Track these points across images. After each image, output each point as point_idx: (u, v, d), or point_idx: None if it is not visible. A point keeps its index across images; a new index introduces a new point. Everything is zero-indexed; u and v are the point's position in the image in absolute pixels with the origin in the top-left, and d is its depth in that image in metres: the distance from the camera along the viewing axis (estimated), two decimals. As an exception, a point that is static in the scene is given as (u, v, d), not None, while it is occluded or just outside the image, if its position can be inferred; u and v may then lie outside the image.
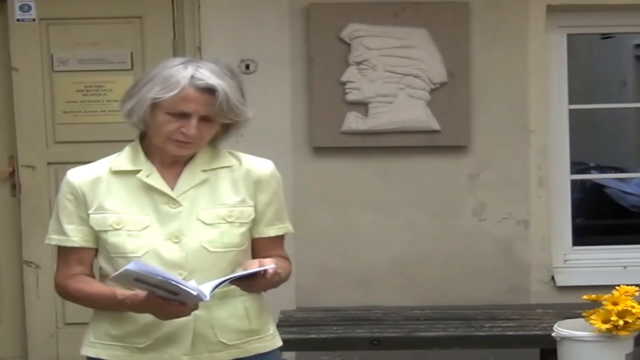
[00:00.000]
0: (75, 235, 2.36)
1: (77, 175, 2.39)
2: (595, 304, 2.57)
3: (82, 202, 2.35)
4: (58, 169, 4.98)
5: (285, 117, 4.89)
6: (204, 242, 2.32)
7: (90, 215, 2.34)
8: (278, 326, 2.64)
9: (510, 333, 4.00)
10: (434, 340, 3.97)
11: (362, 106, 4.89)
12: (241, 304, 2.38)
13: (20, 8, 4.92)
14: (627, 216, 8.32)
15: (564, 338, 2.57)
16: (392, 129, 4.90)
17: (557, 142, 5.07)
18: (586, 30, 5.34)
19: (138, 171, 2.36)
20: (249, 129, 2.44)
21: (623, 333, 2.49)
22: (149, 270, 2.14)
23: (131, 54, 4.98)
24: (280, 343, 2.51)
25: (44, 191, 5.00)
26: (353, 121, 4.89)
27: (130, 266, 2.11)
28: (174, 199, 2.34)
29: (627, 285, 2.59)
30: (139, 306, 2.24)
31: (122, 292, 2.26)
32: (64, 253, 2.39)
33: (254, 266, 2.26)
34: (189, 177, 2.36)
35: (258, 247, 2.43)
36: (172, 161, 2.37)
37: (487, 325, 4.11)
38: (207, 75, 2.27)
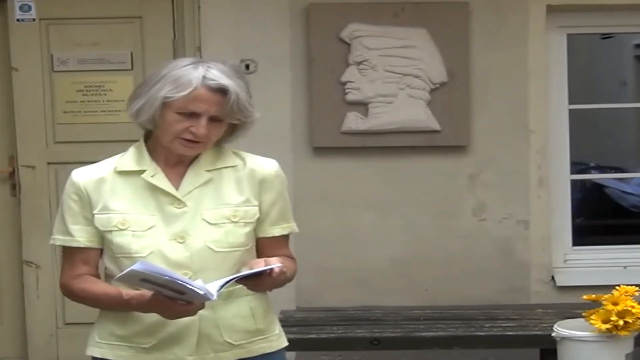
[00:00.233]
0: (80, 236, 2.36)
1: (81, 176, 2.39)
2: (595, 304, 2.57)
3: (86, 202, 2.35)
4: (58, 169, 4.99)
5: (285, 117, 4.89)
6: (208, 242, 2.32)
7: (95, 216, 2.34)
8: (278, 326, 2.64)
9: (510, 333, 4.00)
10: (434, 340, 3.97)
11: (362, 106, 4.89)
12: (247, 303, 2.39)
13: (20, 8, 4.92)
14: (627, 216, 8.32)
15: (564, 338, 2.57)
16: (392, 129, 4.90)
17: (557, 142, 5.07)
18: (586, 30, 5.34)
19: (143, 171, 2.36)
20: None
21: (623, 333, 2.49)
22: (155, 271, 2.14)
23: (131, 54, 4.98)
24: (285, 343, 2.51)
25: (44, 191, 5.00)
26: (353, 121, 4.89)
27: (136, 267, 2.11)
28: (178, 199, 2.34)
29: (627, 285, 2.59)
30: (145, 306, 2.25)
31: (127, 292, 2.26)
32: (69, 253, 2.39)
33: (259, 265, 2.26)
34: (193, 177, 2.36)
35: (263, 246, 2.43)
36: (176, 161, 2.37)
37: (487, 325, 4.11)
38: (219, 75, 2.28)
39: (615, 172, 9.51)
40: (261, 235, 2.42)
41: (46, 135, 4.99)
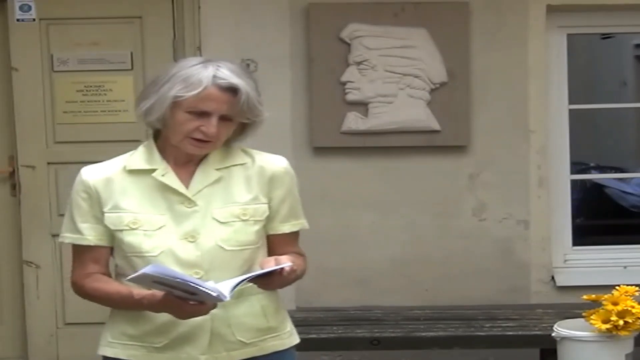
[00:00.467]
0: (89, 234, 2.35)
1: (91, 174, 2.38)
2: (595, 304, 2.57)
3: (96, 200, 2.34)
4: (58, 169, 4.99)
5: (285, 117, 4.89)
6: (219, 241, 2.32)
7: (105, 214, 2.33)
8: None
9: (510, 333, 4.00)
10: (434, 340, 3.97)
11: (362, 106, 4.89)
12: (258, 302, 2.39)
13: (20, 8, 4.92)
14: (627, 216, 8.32)
15: (564, 338, 2.57)
16: (392, 129, 4.90)
17: (557, 142, 5.07)
18: (586, 30, 5.34)
19: (153, 170, 2.35)
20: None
21: (623, 333, 2.49)
22: (167, 273, 2.14)
23: (131, 54, 4.98)
24: (297, 340, 2.52)
25: (44, 191, 5.00)
26: (353, 121, 4.89)
27: (148, 269, 2.11)
28: (189, 199, 2.33)
29: (627, 285, 2.59)
30: (157, 306, 2.24)
31: (138, 291, 2.26)
32: (79, 252, 2.38)
33: (270, 264, 2.26)
34: (202, 176, 2.36)
35: (273, 243, 2.43)
36: (185, 160, 2.36)
37: (487, 325, 4.11)
38: (228, 74, 2.27)
39: (615, 172, 9.51)
40: (271, 232, 2.42)
41: (46, 135, 4.99)
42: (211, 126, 2.28)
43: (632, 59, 11.84)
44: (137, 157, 2.38)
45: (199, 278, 2.24)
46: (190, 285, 2.13)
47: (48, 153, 5.00)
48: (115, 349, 2.39)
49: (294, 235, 2.47)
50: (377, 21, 4.86)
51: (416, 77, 4.88)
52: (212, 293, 2.14)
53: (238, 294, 2.27)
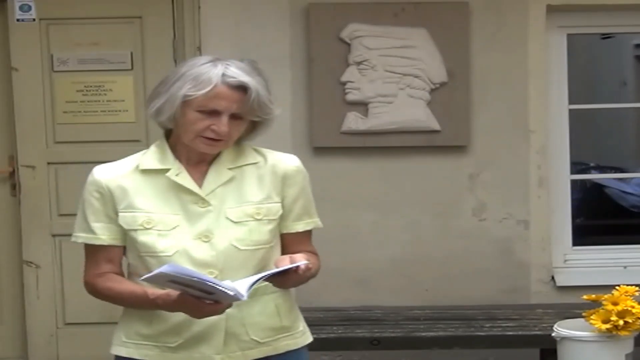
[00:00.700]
0: (103, 234, 2.35)
1: (103, 173, 2.37)
2: (595, 304, 2.57)
3: (109, 200, 2.34)
4: (58, 169, 4.99)
5: (285, 117, 4.89)
6: (233, 241, 2.32)
7: (120, 214, 2.33)
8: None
9: (510, 333, 4.00)
10: (434, 340, 3.97)
11: (362, 106, 4.89)
12: (272, 301, 2.39)
13: (20, 8, 4.92)
14: (627, 216, 8.31)
15: (564, 338, 2.57)
16: (392, 129, 4.90)
17: (557, 142, 5.07)
18: (586, 30, 5.34)
19: (166, 170, 2.35)
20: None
21: (623, 333, 2.49)
22: (184, 273, 2.13)
23: (131, 54, 4.98)
24: (310, 339, 2.52)
25: (44, 191, 5.00)
26: (353, 121, 4.89)
27: (164, 269, 2.10)
28: (202, 198, 2.33)
29: (627, 285, 2.59)
30: (172, 305, 2.24)
31: (153, 291, 2.26)
32: (92, 251, 2.38)
33: (285, 263, 2.26)
34: (215, 175, 2.35)
35: (287, 242, 2.43)
36: (198, 160, 2.36)
37: (487, 325, 4.11)
38: (238, 72, 2.27)
39: (615, 172, 9.51)
40: (285, 231, 2.42)
41: (46, 135, 4.99)
42: (222, 125, 2.27)
43: (632, 59, 11.83)
44: (150, 157, 2.37)
45: (213, 277, 2.23)
46: (207, 284, 2.12)
47: (48, 153, 5.00)
48: (129, 349, 2.39)
49: (308, 233, 2.47)
50: (377, 21, 4.86)
51: (416, 77, 4.88)
52: (230, 292, 2.14)
53: (252, 293, 2.26)
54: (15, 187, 5.03)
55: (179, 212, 2.32)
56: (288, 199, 2.40)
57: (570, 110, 5.12)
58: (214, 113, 2.27)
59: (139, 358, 2.37)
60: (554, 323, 2.65)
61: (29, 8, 4.93)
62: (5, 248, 5.09)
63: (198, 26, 4.92)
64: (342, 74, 4.87)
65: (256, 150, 2.43)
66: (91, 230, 2.36)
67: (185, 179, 2.34)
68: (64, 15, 4.96)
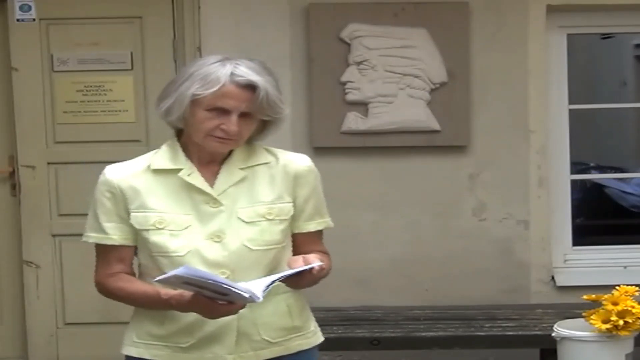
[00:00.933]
0: (114, 234, 2.34)
1: (115, 173, 2.36)
2: (595, 304, 2.57)
3: (120, 200, 2.33)
4: (58, 169, 4.99)
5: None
6: (245, 241, 2.32)
7: (131, 214, 2.32)
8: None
9: (510, 333, 4.00)
10: (434, 340, 3.97)
11: (362, 106, 4.89)
12: (284, 301, 2.39)
13: (20, 8, 4.92)
14: (627, 216, 8.31)
15: (564, 338, 2.57)
16: (392, 129, 4.90)
17: (557, 142, 5.07)
18: (586, 30, 5.34)
19: (178, 170, 2.34)
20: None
21: (623, 333, 2.48)
22: (199, 275, 2.12)
23: (131, 54, 4.98)
24: (321, 339, 2.53)
25: (44, 191, 5.00)
26: (353, 121, 4.89)
27: (179, 271, 2.09)
28: (214, 198, 2.32)
29: (627, 285, 2.59)
30: (185, 306, 2.23)
31: (166, 292, 2.25)
32: (103, 251, 2.38)
33: (298, 263, 2.26)
34: (227, 175, 2.35)
35: (298, 242, 2.43)
36: (209, 159, 2.36)
37: (487, 325, 4.11)
38: (247, 71, 2.27)
39: (615, 172, 9.50)
40: (296, 231, 2.42)
41: (46, 135, 4.99)
42: (231, 124, 2.27)
43: (632, 59, 11.82)
44: (162, 157, 2.37)
45: (225, 278, 2.23)
46: (222, 286, 2.12)
47: (48, 153, 5.00)
48: (140, 349, 2.38)
49: (319, 233, 2.47)
50: (377, 21, 4.86)
51: (416, 77, 4.88)
52: (245, 294, 2.13)
53: None
54: (15, 187, 5.03)
55: (191, 212, 2.32)
56: (300, 199, 2.40)
57: (570, 110, 5.12)
58: (223, 112, 2.27)
59: (149, 358, 2.36)
60: (554, 323, 2.65)
61: (29, 8, 4.93)
62: (5, 248, 5.09)
63: (198, 26, 4.92)
64: (342, 74, 4.87)
65: (267, 150, 2.42)
66: (102, 230, 2.35)
67: (197, 179, 2.33)
68: (64, 15, 4.96)
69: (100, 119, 4.99)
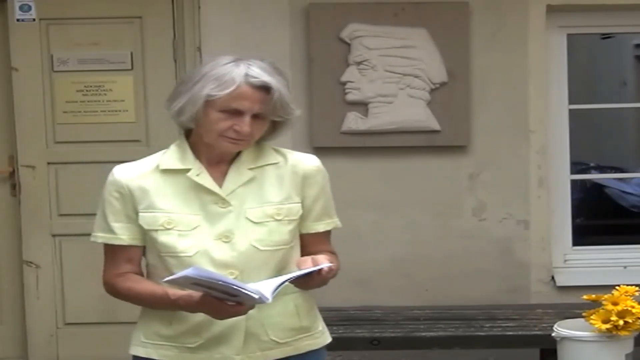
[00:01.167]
0: (123, 234, 2.34)
1: (123, 173, 2.35)
2: (595, 304, 2.57)
3: (129, 200, 2.33)
4: (58, 169, 4.99)
5: (285, 117, 4.88)
6: (253, 241, 2.31)
7: (140, 214, 2.32)
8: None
9: (510, 333, 4.00)
10: (434, 340, 3.97)
11: (362, 106, 4.89)
12: (292, 301, 2.39)
13: (20, 8, 4.92)
14: (627, 216, 8.31)
15: (564, 338, 2.57)
16: (392, 129, 4.90)
17: (557, 142, 5.08)
18: (586, 30, 5.34)
19: (187, 170, 2.34)
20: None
21: (623, 333, 2.48)
22: (209, 276, 2.12)
23: (131, 54, 4.98)
24: (329, 339, 2.52)
25: (44, 191, 5.00)
26: (353, 121, 4.89)
27: (189, 272, 2.09)
28: (223, 199, 2.32)
29: (627, 285, 2.59)
30: (194, 306, 2.23)
31: (174, 292, 2.24)
32: (112, 251, 2.37)
33: (307, 264, 2.25)
34: (236, 175, 2.35)
35: (307, 242, 2.43)
36: (218, 159, 2.35)
37: (487, 325, 4.11)
38: (260, 72, 2.27)
39: (615, 172, 9.50)
40: (304, 231, 2.42)
41: (46, 135, 4.99)
42: (244, 125, 2.27)
43: (632, 59, 11.82)
44: (170, 157, 2.36)
45: (234, 278, 2.23)
46: (232, 287, 2.12)
47: (48, 153, 5.00)
48: (148, 349, 2.38)
49: (327, 234, 2.47)
50: (377, 21, 4.86)
51: (416, 77, 4.88)
52: (254, 295, 2.13)
53: None
54: (15, 187, 5.03)
55: (199, 212, 2.32)
56: (308, 199, 2.40)
57: (570, 110, 5.12)
58: (237, 113, 2.27)
59: (157, 358, 2.36)
60: (554, 323, 2.65)
61: (29, 8, 4.93)
62: (5, 248, 5.09)
63: (198, 26, 4.92)
64: (342, 74, 4.87)
65: (276, 151, 2.42)
66: (111, 230, 2.34)
67: (205, 179, 2.33)
68: (64, 15, 4.96)
69: (100, 119, 4.99)
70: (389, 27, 4.87)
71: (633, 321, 2.48)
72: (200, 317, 2.28)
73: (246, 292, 2.12)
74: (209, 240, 2.30)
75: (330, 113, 4.88)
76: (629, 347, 2.54)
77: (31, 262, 5.01)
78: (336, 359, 4.75)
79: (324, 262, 2.26)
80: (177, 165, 2.35)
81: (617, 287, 2.57)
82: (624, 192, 8.82)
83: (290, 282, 2.25)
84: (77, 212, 4.87)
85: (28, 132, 4.98)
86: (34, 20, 4.94)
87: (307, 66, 4.91)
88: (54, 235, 4.98)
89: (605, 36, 8.51)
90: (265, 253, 2.32)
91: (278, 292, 2.21)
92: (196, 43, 4.92)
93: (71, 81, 4.99)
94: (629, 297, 2.53)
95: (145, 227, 2.32)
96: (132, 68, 4.99)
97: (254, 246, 2.31)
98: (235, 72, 2.26)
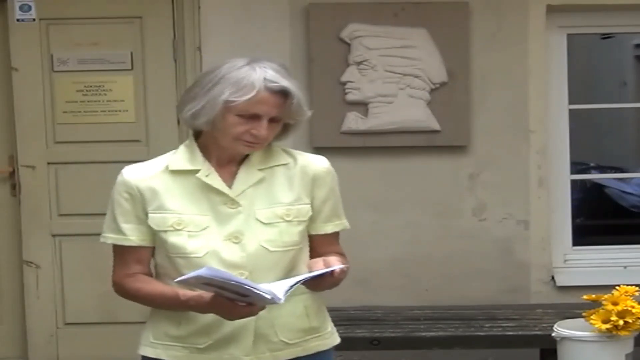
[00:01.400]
0: (132, 235, 2.33)
1: (133, 174, 2.35)
2: (595, 304, 2.57)
3: (138, 200, 2.32)
4: (58, 169, 4.99)
5: (285, 117, 4.88)
6: (263, 242, 2.31)
7: (149, 215, 2.32)
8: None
9: (510, 333, 4.00)
10: (434, 340, 3.97)
11: (362, 106, 4.89)
12: (301, 302, 2.39)
13: (20, 8, 4.92)
14: (627, 216, 8.30)
15: (564, 338, 2.57)
16: (392, 129, 4.90)
17: (557, 142, 5.08)
18: (586, 30, 5.34)
19: (196, 171, 2.33)
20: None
21: (623, 333, 2.48)
22: (222, 276, 2.11)
23: (131, 54, 4.98)
24: (338, 340, 2.53)
25: (44, 191, 5.00)
26: (353, 121, 4.89)
27: (202, 272, 2.08)
28: (232, 199, 2.32)
29: (627, 285, 2.59)
30: (204, 307, 2.23)
31: (184, 292, 2.24)
32: (121, 252, 2.37)
33: (319, 266, 2.26)
34: (245, 176, 2.34)
35: (316, 243, 2.43)
36: (228, 160, 2.35)
37: (487, 325, 4.11)
38: (277, 77, 2.26)
39: (615, 172, 9.50)
40: (313, 232, 2.42)
41: (46, 135, 4.99)
42: (262, 129, 2.27)
43: (632, 59, 11.82)
44: (180, 157, 2.36)
45: (244, 279, 2.22)
46: (244, 287, 2.11)
47: (48, 153, 5.00)
48: (157, 350, 2.37)
49: (336, 235, 2.49)
50: (377, 21, 4.86)
51: (416, 77, 4.88)
52: (267, 296, 2.12)
53: None
54: (15, 187, 5.03)
55: (209, 213, 2.31)
56: (317, 200, 2.40)
57: (570, 110, 5.12)
58: (254, 117, 2.27)
59: (166, 359, 2.36)
60: (554, 323, 2.65)
61: (29, 8, 4.93)
62: (5, 248, 5.09)
63: (198, 26, 4.92)
64: (342, 74, 4.87)
65: (285, 151, 2.42)
66: (120, 231, 2.34)
67: (215, 180, 2.33)
68: (64, 15, 4.96)
69: (100, 119, 4.99)
70: (389, 27, 4.87)
71: (633, 321, 2.48)
72: (209, 317, 2.27)
73: (259, 292, 2.12)
74: (218, 241, 2.30)
75: (330, 113, 4.88)
76: (629, 347, 2.54)
77: (31, 262, 5.01)
78: (336, 359, 4.75)
79: (336, 263, 2.27)
80: (187, 166, 2.34)
81: (617, 287, 2.57)
82: (624, 192, 8.81)
83: (301, 283, 2.25)
84: (77, 212, 4.87)
85: (28, 132, 4.98)
86: (34, 20, 4.94)
87: (307, 66, 4.91)
88: (54, 235, 4.98)
89: (605, 36, 8.51)
90: (274, 254, 2.32)
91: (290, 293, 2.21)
92: (196, 43, 4.92)
93: (71, 81, 4.99)
94: (629, 297, 2.53)
95: (155, 228, 2.31)
96: (132, 68, 4.99)
97: (264, 247, 2.31)
98: (254, 77, 2.25)
